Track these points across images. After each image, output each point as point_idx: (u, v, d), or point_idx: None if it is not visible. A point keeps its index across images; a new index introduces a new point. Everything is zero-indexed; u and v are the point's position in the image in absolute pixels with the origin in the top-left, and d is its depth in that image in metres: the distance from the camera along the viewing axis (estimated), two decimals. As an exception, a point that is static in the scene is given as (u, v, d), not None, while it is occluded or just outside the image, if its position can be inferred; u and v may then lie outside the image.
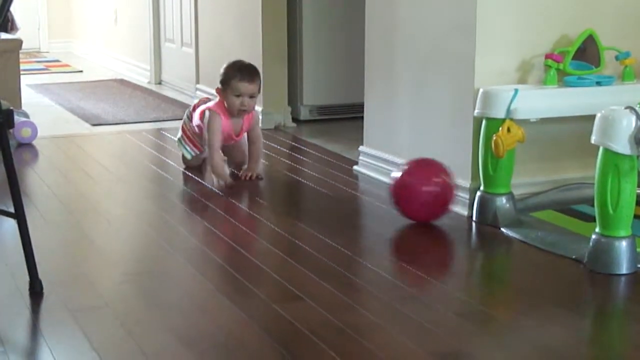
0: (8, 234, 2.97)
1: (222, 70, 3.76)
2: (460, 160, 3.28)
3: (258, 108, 4.81)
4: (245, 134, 3.83)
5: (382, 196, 3.53)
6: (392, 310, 2.38)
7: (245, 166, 3.80)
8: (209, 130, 3.71)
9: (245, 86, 3.68)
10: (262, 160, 3.94)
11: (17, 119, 4.42)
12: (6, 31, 5.87)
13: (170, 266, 2.75)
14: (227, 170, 3.77)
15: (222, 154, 3.73)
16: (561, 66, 3.21)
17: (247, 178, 3.70)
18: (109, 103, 5.78)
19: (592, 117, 2.68)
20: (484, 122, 3.11)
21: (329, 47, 5.08)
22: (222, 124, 3.71)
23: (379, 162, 3.80)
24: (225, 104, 3.72)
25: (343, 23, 5.07)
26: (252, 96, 3.70)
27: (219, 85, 3.75)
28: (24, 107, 4.90)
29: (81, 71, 7.59)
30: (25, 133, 4.47)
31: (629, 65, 3.31)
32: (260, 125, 4.01)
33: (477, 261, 2.93)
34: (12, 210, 2.47)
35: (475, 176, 3.22)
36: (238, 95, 3.68)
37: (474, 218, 3.17)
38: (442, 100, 3.39)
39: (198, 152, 3.89)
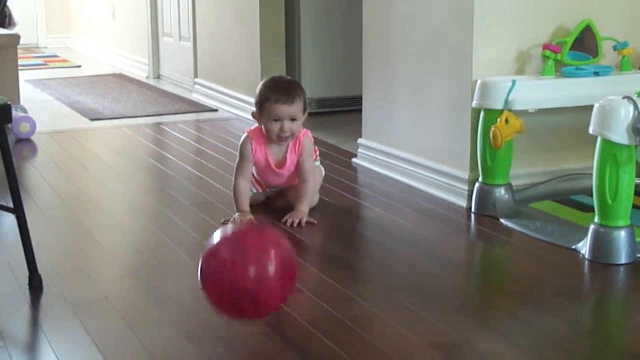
0: (7, 229, 2.97)
1: (256, 91, 3.16)
2: (458, 152, 3.29)
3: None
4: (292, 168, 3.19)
5: (381, 188, 3.53)
6: (391, 302, 2.38)
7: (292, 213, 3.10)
8: (238, 155, 3.18)
9: (282, 108, 3.06)
10: (314, 202, 3.23)
11: (16, 114, 4.42)
12: (4, 26, 5.86)
13: (170, 260, 2.75)
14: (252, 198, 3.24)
15: (247, 186, 3.15)
16: (559, 57, 3.21)
17: (292, 225, 3.02)
18: (107, 98, 5.78)
19: (590, 108, 2.68)
20: (482, 113, 3.11)
21: (327, 40, 5.08)
22: (257, 152, 3.13)
23: (377, 155, 3.80)
24: (263, 130, 3.13)
25: (341, 16, 5.07)
26: (293, 119, 3.07)
27: (254, 109, 3.15)
28: (22, 102, 4.90)
29: (79, 66, 7.59)
30: (23, 128, 4.47)
31: (627, 55, 3.31)
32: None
33: (476, 252, 2.93)
34: (11, 205, 2.48)
35: (473, 167, 3.22)
36: (276, 120, 3.08)
37: (472, 209, 3.17)
38: (440, 91, 3.39)
39: (258, 190, 3.31)
